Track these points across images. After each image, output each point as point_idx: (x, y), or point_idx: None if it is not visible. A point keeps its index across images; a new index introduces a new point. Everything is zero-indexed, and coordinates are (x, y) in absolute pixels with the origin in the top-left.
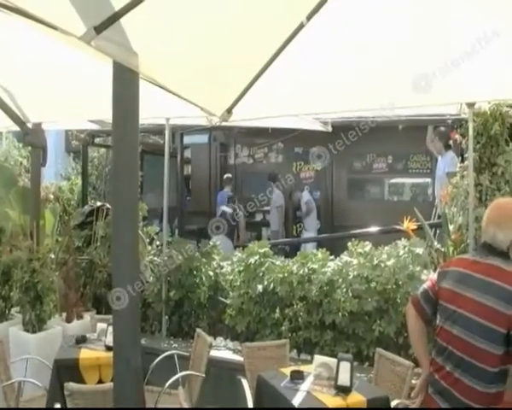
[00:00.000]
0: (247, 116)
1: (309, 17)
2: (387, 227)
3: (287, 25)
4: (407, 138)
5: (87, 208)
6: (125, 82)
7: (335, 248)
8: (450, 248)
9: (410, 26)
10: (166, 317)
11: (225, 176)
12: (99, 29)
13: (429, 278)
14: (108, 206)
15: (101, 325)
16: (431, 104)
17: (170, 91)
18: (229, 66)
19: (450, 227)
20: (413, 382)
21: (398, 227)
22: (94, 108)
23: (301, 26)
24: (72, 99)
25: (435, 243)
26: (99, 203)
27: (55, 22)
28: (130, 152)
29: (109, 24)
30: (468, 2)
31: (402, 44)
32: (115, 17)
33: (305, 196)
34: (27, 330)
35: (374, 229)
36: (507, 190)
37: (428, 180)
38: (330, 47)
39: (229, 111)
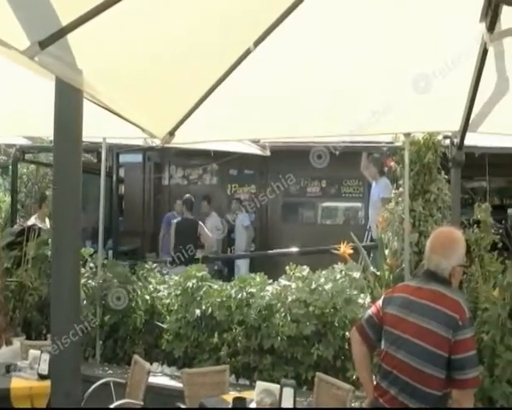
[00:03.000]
0: (189, 139)
1: (256, 43)
2: (324, 247)
3: (233, 50)
4: (340, 163)
5: (17, 228)
6: (69, 100)
7: (270, 270)
8: (386, 273)
9: (356, 55)
10: (101, 342)
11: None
12: (44, 44)
13: (374, 304)
14: (40, 225)
15: (33, 352)
16: (371, 134)
17: (112, 111)
18: (174, 88)
19: (386, 252)
20: (353, 405)
21: (334, 251)
22: (28, 123)
23: (248, 52)
24: (5, 114)
25: (371, 267)
26: (30, 222)
27: None
28: (73, 172)
29: (55, 39)
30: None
31: (347, 73)
32: (62, 33)
33: (245, 221)
34: None
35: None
36: (439, 215)
37: (360, 204)
38: (276, 74)
39: (171, 134)
